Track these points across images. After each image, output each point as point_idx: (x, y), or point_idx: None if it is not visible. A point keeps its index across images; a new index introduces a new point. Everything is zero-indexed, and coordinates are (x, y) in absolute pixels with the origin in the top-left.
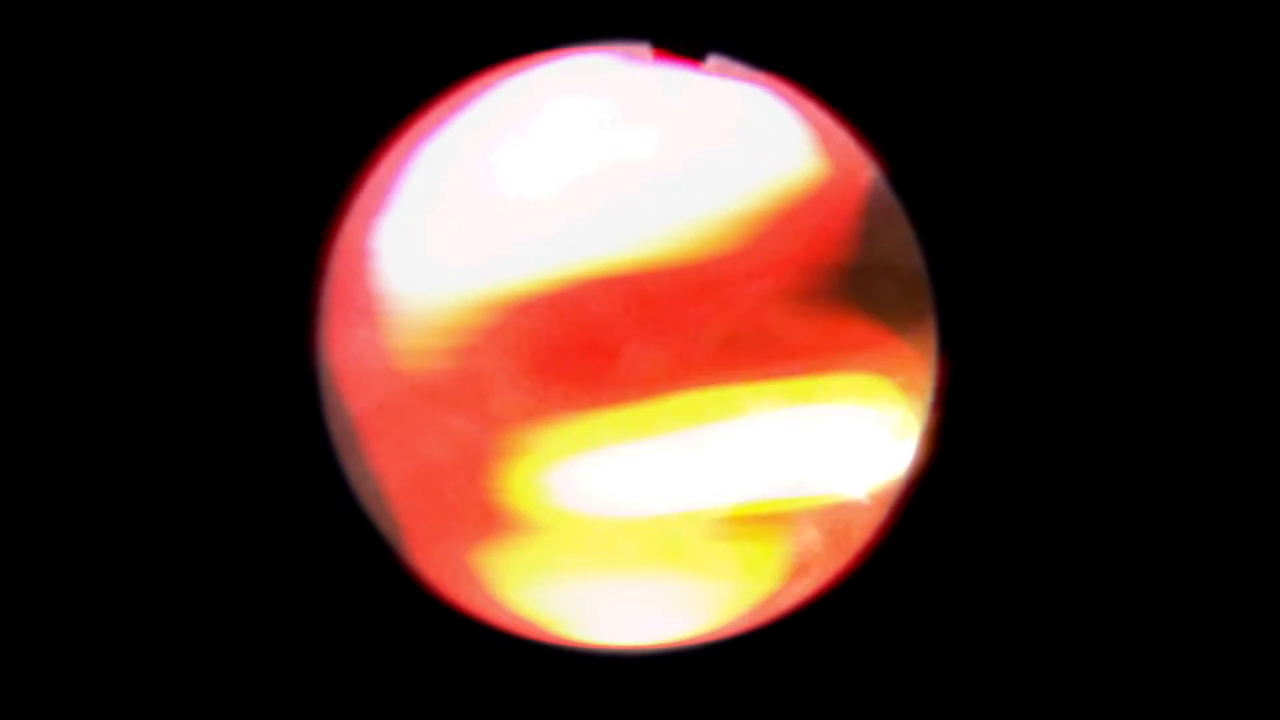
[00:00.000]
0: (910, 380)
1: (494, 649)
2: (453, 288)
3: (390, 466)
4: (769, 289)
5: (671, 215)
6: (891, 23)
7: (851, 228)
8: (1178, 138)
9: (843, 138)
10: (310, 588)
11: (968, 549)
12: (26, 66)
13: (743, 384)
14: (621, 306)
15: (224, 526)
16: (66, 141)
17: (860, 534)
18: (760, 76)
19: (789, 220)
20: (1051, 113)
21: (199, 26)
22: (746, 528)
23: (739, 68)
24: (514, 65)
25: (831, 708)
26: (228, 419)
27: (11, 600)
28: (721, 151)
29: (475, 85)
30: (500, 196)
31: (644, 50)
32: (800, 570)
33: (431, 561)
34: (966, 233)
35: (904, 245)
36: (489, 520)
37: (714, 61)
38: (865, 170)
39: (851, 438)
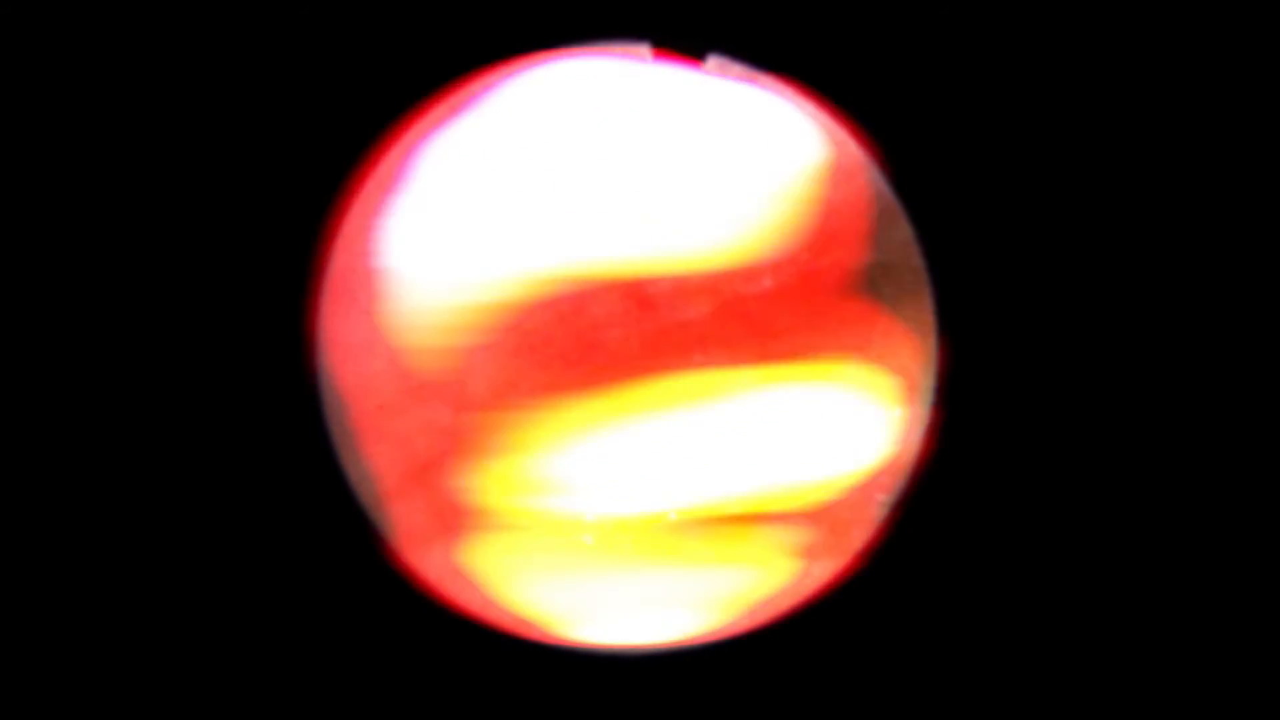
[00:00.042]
0: (910, 379)
1: (492, 648)
2: (453, 288)
3: (387, 465)
4: (770, 288)
5: (672, 216)
6: (891, 23)
7: (853, 227)
8: (1177, 138)
9: (844, 137)
10: (309, 587)
11: (967, 549)
12: (25, 64)
13: (741, 381)
14: (622, 307)
15: (224, 525)
16: (66, 139)
17: (860, 532)
18: (760, 76)
19: (790, 221)
20: (1050, 113)
21: (200, 23)
22: (746, 525)
23: (739, 68)
24: (514, 65)
25: (831, 708)
26: (226, 418)
27: (10, 599)
28: (722, 152)
29: (476, 85)
30: (501, 196)
31: (644, 50)
32: (800, 569)
33: (427, 560)
34: (966, 232)
35: (904, 244)
36: (487, 519)
37: (714, 61)
38: (866, 169)
39: (850, 435)
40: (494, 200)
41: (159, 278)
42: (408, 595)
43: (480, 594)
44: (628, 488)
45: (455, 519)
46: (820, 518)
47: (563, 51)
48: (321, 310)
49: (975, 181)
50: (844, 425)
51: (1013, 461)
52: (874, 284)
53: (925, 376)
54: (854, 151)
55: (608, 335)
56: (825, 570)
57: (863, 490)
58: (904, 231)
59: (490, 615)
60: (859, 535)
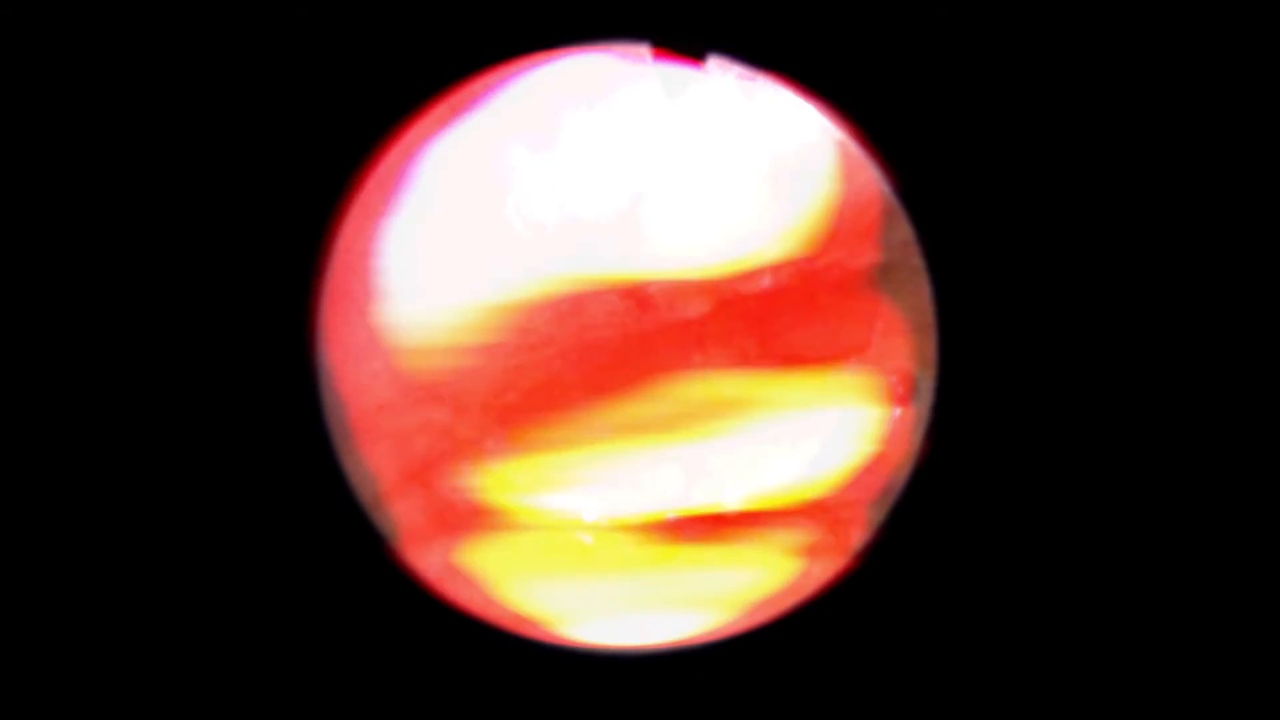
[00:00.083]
0: (910, 378)
1: (491, 647)
2: (453, 289)
3: (387, 465)
4: (769, 288)
5: (671, 216)
6: (891, 23)
7: (853, 227)
8: (1177, 139)
9: (844, 137)
10: (309, 585)
11: (966, 548)
12: (27, 65)
13: (741, 380)
14: (622, 307)
15: (225, 525)
16: (68, 140)
17: (859, 532)
18: (760, 76)
19: (789, 221)
20: (1050, 113)
21: (200, 26)
22: (745, 525)
23: (739, 68)
24: (514, 65)
25: (831, 707)
26: (228, 418)
27: (10, 597)
28: (721, 152)
29: (476, 85)
30: (501, 199)
31: (644, 50)
32: (800, 569)
33: (427, 560)
34: (965, 232)
35: (904, 244)
36: (486, 518)
37: (714, 61)
38: (866, 169)
39: (850, 435)
40: (493, 201)
41: (163, 283)
42: (407, 594)
43: (479, 593)
44: (627, 488)
45: (454, 519)
46: (820, 517)
47: (562, 52)
48: (322, 312)
49: (975, 181)
50: (843, 424)
51: (1011, 460)
52: (873, 283)
53: (924, 376)
54: (854, 151)
55: (607, 335)
56: (825, 570)
57: (862, 489)
58: (904, 231)
59: (489, 614)
60: (859, 535)
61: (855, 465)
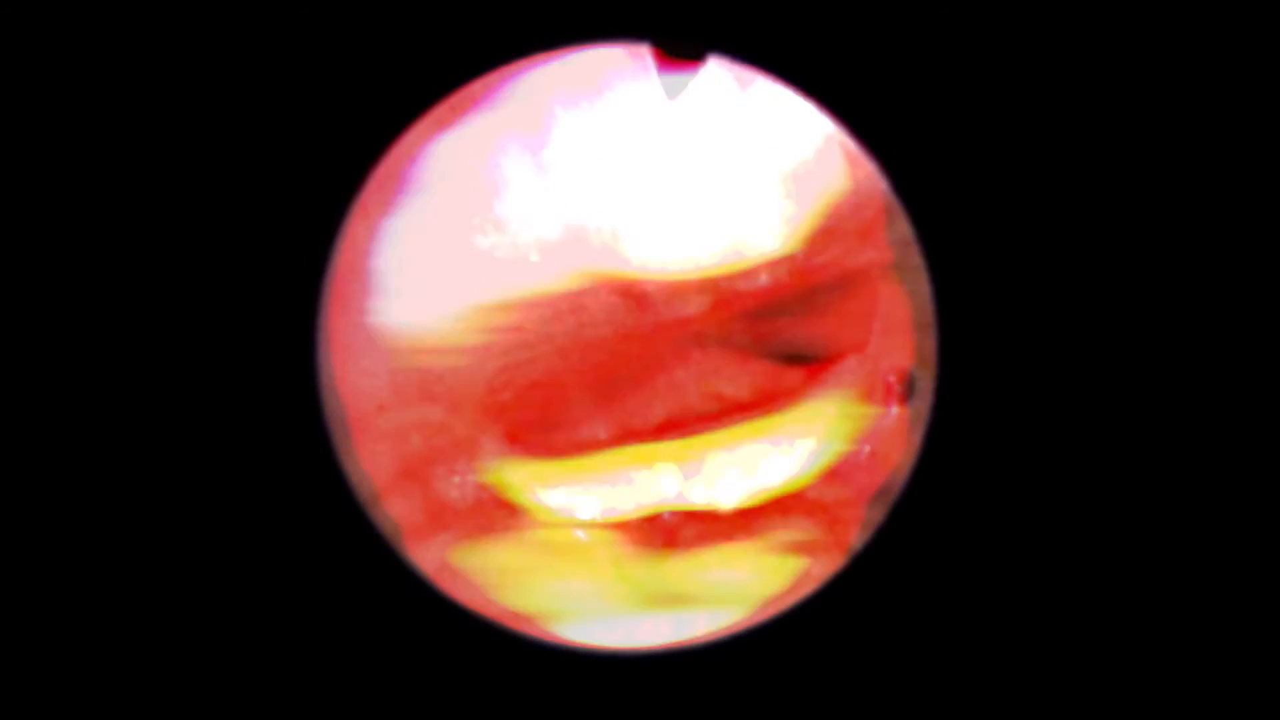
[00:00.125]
0: (908, 376)
1: (487, 645)
2: (451, 288)
3: (385, 464)
4: (767, 285)
5: (669, 214)
6: (890, 23)
7: (852, 225)
8: (1177, 140)
9: (843, 137)
10: (308, 582)
11: (965, 547)
12: (36, 72)
13: (738, 378)
14: (621, 308)
15: (224, 521)
16: (73, 144)
17: (858, 531)
18: (759, 76)
19: (787, 219)
20: (1049, 112)
21: (203, 29)
22: (745, 524)
23: (739, 68)
24: (514, 65)
25: (831, 707)
26: (227, 417)
27: (11, 596)
28: (720, 151)
29: (476, 87)
30: (500, 199)
31: (644, 50)
32: (800, 568)
33: (423, 557)
34: (965, 230)
35: (903, 242)
36: (482, 517)
37: (714, 61)
38: (865, 168)
39: (849, 433)
40: (491, 201)
41: (166, 285)
42: (404, 591)
43: (476, 591)
44: (624, 486)
45: (451, 516)
46: (818, 516)
47: (562, 52)
48: (322, 311)
49: (974, 180)
50: (841, 423)
51: (1011, 460)
52: (872, 282)
53: (923, 374)
54: (852, 149)
55: (604, 333)
56: (823, 569)
57: (860, 488)
58: (903, 229)
59: (486, 612)
60: (857, 534)
61: (853, 464)
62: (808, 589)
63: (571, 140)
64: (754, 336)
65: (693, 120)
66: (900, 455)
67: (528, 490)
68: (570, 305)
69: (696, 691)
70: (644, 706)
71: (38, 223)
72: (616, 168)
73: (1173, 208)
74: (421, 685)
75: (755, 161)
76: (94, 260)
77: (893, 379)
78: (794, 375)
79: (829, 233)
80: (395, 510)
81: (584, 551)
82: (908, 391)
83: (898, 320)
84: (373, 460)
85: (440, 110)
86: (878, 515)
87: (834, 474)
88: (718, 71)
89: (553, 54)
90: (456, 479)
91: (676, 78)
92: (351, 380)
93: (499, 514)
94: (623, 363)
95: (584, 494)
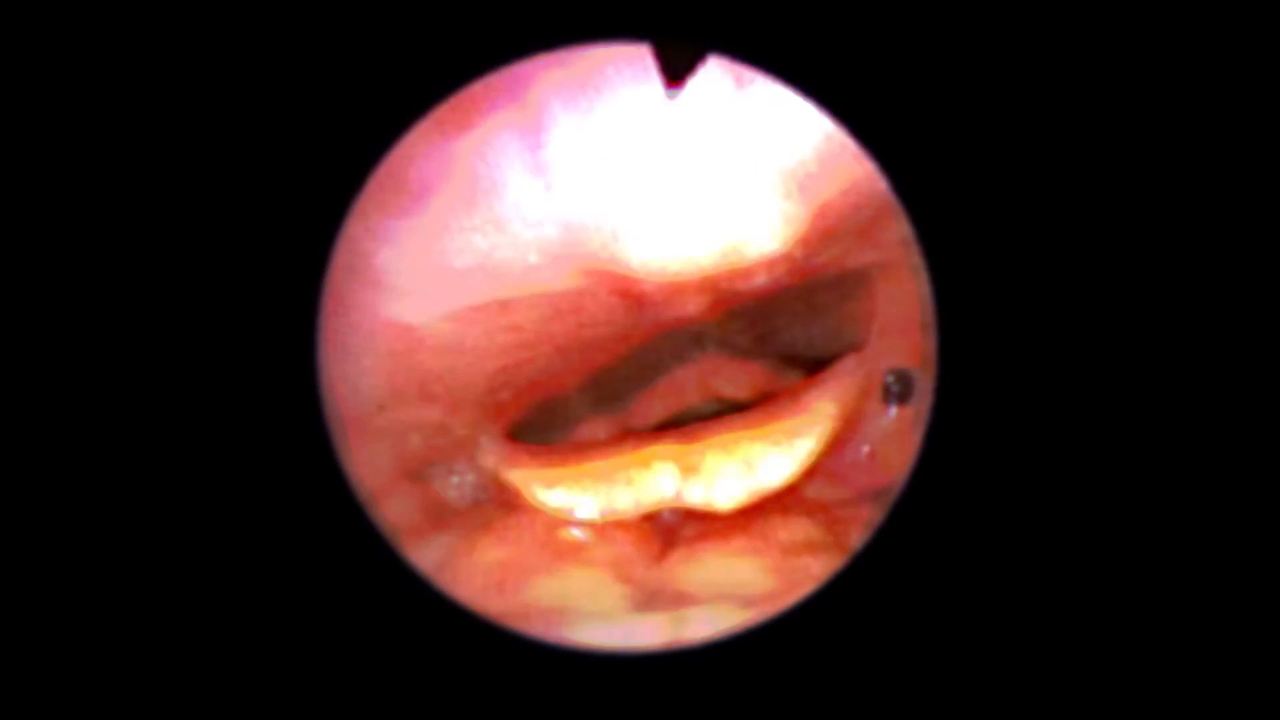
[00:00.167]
0: (908, 376)
1: (485, 644)
2: (449, 288)
3: (383, 463)
4: (766, 285)
5: (669, 214)
6: (891, 23)
7: (851, 224)
8: (1178, 140)
9: (842, 136)
10: (307, 582)
11: (964, 546)
12: (35, 72)
13: (737, 377)
14: (621, 308)
15: (223, 520)
16: (72, 144)
17: (857, 531)
18: (759, 76)
19: (787, 218)
20: (1049, 112)
21: (204, 29)
22: (744, 523)
23: (738, 67)
24: (514, 66)
25: (830, 707)
26: (226, 416)
27: (10, 595)
28: (719, 150)
29: (475, 88)
30: (501, 200)
31: (644, 50)
32: (800, 567)
33: (423, 556)
34: (964, 230)
35: (903, 242)
36: (481, 516)
37: (714, 61)
38: (865, 167)
39: (848, 431)
40: (490, 201)
41: (166, 286)
42: (403, 590)
43: (474, 590)
44: (622, 485)
45: (449, 515)
46: (818, 516)
47: (562, 51)
48: (322, 311)
49: (973, 180)
50: (840, 423)
51: (1011, 460)
52: (871, 281)
53: (923, 375)
54: (852, 149)
55: (603, 333)
56: (823, 569)
57: (860, 488)
58: (902, 229)
59: (484, 611)
60: (857, 534)
61: (852, 464)
62: (808, 589)
63: (571, 140)
64: (753, 337)
65: (692, 120)
66: (901, 455)
67: (525, 489)
68: (570, 305)
69: (695, 692)
70: (643, 707)
71: (38, 223)
72: (616, 168)
73: (1173, 207)
74: (421, 685)
75: (755, 161)
76: (94, 260)
77: (890, 379)
78: (793, 375)
79: (829, 233)
80: (393, 509)
81: (582, 550)
82: (905, 392)
83: (897, 320)
84: (372, 460)
85: (441, 110)
86: (879, 516)
87: (834, 474)
88: (717, 71)
89: (553, 54)
90: (455, 479)
91: (676, 78)
92: (351, 380)
93: (496, 512)
94: (622, 363)
95: (583, 494)
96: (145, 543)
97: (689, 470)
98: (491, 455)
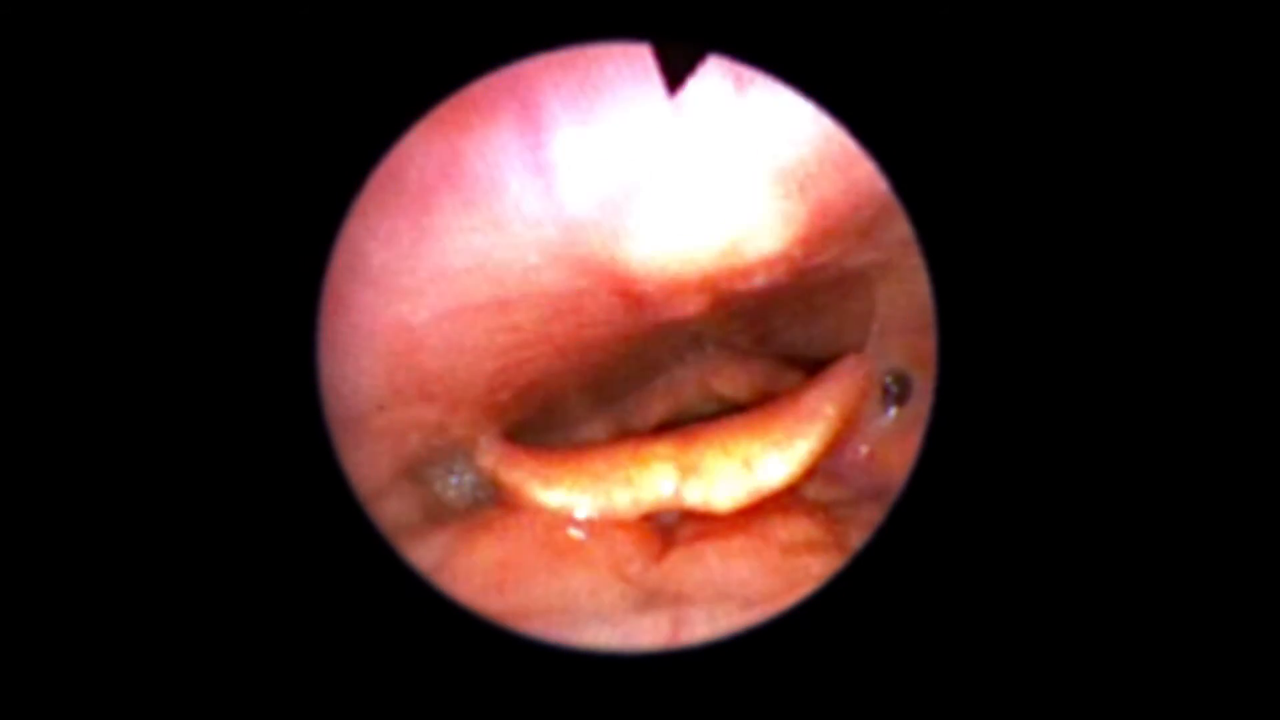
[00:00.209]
0: (908, 376)
1: (483, 644)
2: (448, 287)
3: (382, 462)
4: (765, 285)
5: (668, 214)
6: (891, 23)
7: (851, 224)
8: (1178, 138)
9: (841, 135)
10: (305, 581)
11: (966, 549)
12: (35, 71)
13: (736, 377)
14: (620, 307)
15: (222, 518)
16: (71, 143)
17: (857, 531)
18: (759, 76)
19: (786, 217)
20: (1048, 111)
21: (202, 30)
22: (743, 522)
23: (738, 66)
24: (513, 65)
25: (829, 708)
26: (226, 415)
27: (9, 593)
28: (719, 149)
29: (475, 87)
30: (501, 200)
31: (644, 50)
32: (800, 567)
33: (422, 556)
34: (965, 230)
35: (903, 242)
36: (479, 515)
37: (713, 61)
38: (865, 167)
39: (847, 433)
40: (490, 200)
41: (165, 285)
42: (401, 590)
43: (473, 590)
44: (621, 485)
45: (448, 515)
46: (817, 516)
47: (562, 51)
48: (321, 311)
49: (974, 180)
50: (840, 423)
51: (1011, 459)
52: (870, 282)
53: (922, 376)
54: (851, 149)
55: (602, 333)
56: (823, 569)
57: (859, 489)
58: (902, 229)
59: (481, 610)
60: (857, 534)
61: (852, 464)
62: (808, 589)
63: (571, 140)
64: (753, 337)
65: (692, 120)
66: (901, 455)
67: (524, 489)
68: (569, 305)
69: (695, 692)
70: (642, 707)
71: (37, 222)
72: (616, 167)
73: (1173, 207)
74: (419, 685)
75: (754, 161)
76: (93, 259)
77: (889, 381)
78: (792, 375)
79: (829, 233)
80: (391, 509)
81: (580, 550)
82: (904, 394)
83: (897, 321)
84: (370, 460)
85: (441, 110)
86: (879, 516)
87: (834, 474)
88: (717, 71)
89: (553, 53)
90: (454, 479)
91: (677, 77)
92: (350, 380)
93: (494, 512)
94: (621, 363)
95: (582, 494)
96: (143, 541)
97: (688, 470)
98: (490, 455)
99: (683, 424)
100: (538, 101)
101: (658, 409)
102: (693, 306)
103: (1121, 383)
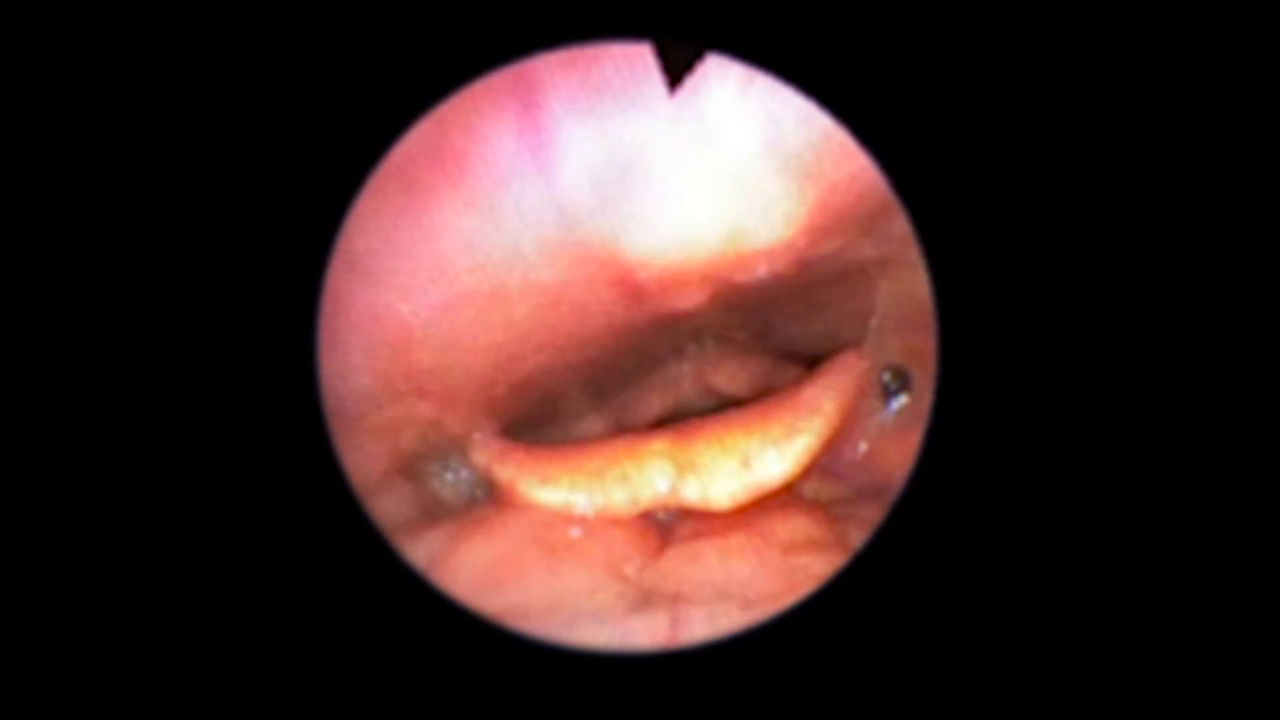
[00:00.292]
0: (908, 371)
1: (479, 641)
2: (446, 283)
3: (377, 458)
4: (766, 278)
5: (668, 208)
6: (891, 23)
7: (851, 219)
8: (1178, 138)
9: (842, 130)
10: (301, 577)
11: (966, 549)
12: (35, 70)
13: (735, 371)
14: (618, 300)
15: (220, 516)
16: (71, 141)
17: (857, 530)
18: (758, 73)
19: (787, 210)
20: (1048, 109)
21: (202, 28)
22: (743, 522)
23: (738, 66)
24: (514, 63)
25: (829, 709)
26: (223, 413)
27: (8, 591)
28: (719, 144)
29: (475, 84)
30: (499, 195)
31: (645, 48)
32: (800, 567)
33: (417, 552)
34: (965, 226)
35: (903, 237)
36: (474, 512)
37: (713, 61)
38: (864, 163)
39: (846, 431)
40: (489, 195)
41: (165, 285)
42: (396, 587)
43: (468, 588)
44: (618, 482)
45: (443, 512)
46: (817, 515)
47: (562, 49)
48: (318, 307)
49: (974, 175)
50: (839, 421)
51: (1011, 459)
52: (870, 277)
53: (921, 372)
54: (852, 144)
55: (599, 326)
56: (823, 568)
57: (859, 486)
58: (902, 225)
59: (477, 608)
60: (857, 533)
61: (851, 462)
62: (808, 589)
63: (571, 137)
64: (752, 332)
65: (692, 119)
66: (900, 454)
67: (520, 486)
68: (567, 302)
69: (694, 692)
70: (640, 707)
71: (36, 220)
72: (615, 165)
73: (1173, 207)
74: (414, 683)
75: (755, 155)
76: (92, 257)
77: (887, 377)
78: (792, 371)
79: (831, 224)
80: (386, 505)
81: (577, 547)
82: (902, 390)
83: (896, 318)
84: (366, 456)
85: (441, 108)
86: (879, 515)
87: (833, 472)
88: (717, 70)
89: (553, 52)
90: (450, 475)
91: (677, 76)
92: (346, 376)
93: (490, 509)
94: (618, 358)
95: (578, 491)
96: (139, 537)
97: (685, 467)
98: (486, 452)
99: (680, 420)
100: (538, 99)
101: (655, 405)
102: (692, 299)
103: (1122, 380)
